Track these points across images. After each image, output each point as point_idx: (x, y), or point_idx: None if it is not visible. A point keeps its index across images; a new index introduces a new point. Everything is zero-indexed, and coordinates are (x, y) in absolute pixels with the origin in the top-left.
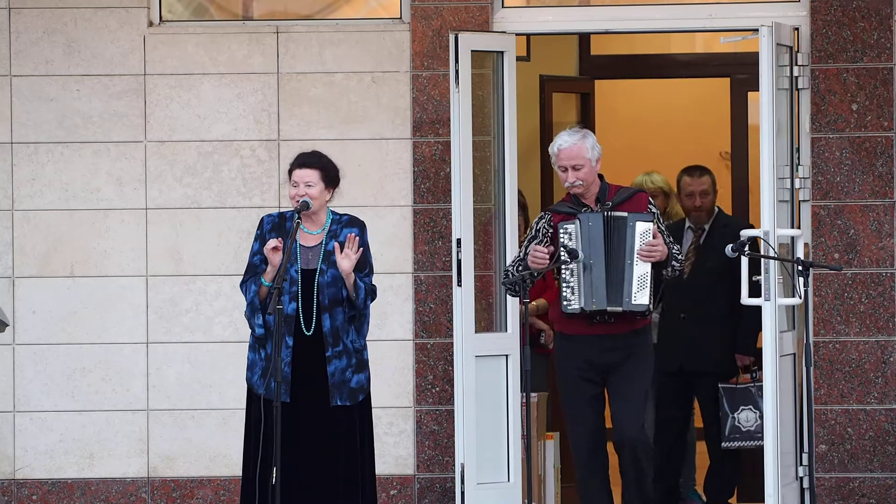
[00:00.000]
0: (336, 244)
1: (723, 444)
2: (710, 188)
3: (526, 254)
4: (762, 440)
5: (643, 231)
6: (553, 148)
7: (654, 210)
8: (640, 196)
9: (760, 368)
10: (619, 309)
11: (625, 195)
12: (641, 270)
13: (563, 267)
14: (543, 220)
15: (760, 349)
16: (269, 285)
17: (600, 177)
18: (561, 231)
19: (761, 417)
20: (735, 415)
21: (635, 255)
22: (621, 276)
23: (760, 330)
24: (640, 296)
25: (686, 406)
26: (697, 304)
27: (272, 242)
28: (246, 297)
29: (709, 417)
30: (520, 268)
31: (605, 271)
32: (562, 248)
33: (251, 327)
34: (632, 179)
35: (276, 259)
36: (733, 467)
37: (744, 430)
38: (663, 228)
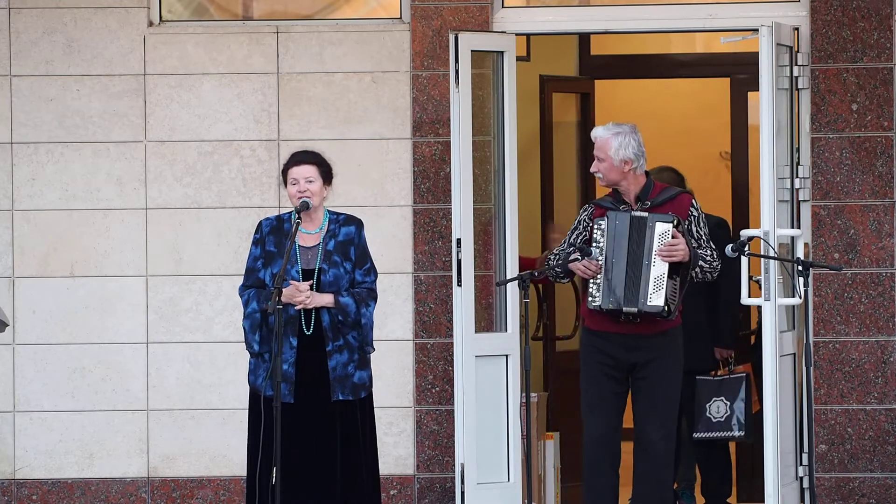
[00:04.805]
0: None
1: (693, 434)
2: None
3: (569, 246)
4: (732, 431)
5: (662, 232)
6: (592, 134)
7: (695, 211)
8: (682, 197)
9: (738, 362)
10: (634, 310)
11: (666, 195)
12: (658, 271)
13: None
14: (586, 213)
15: (740, 341)
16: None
17: (647, 174)
18: (595, 227)
19: (731, 409)
20: (707, 405)
21: (653, 256)
22: (639, 277)
23: (736, 323)
24: (656, 297)
25: None
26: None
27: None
28: (244, 306)
29: (690, 414)
30: (559, 259)
31: (625, 271)
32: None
33: (248, 342)
34: None
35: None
36: (723, 463)
37: (713, 421)
38: (704, 231)
